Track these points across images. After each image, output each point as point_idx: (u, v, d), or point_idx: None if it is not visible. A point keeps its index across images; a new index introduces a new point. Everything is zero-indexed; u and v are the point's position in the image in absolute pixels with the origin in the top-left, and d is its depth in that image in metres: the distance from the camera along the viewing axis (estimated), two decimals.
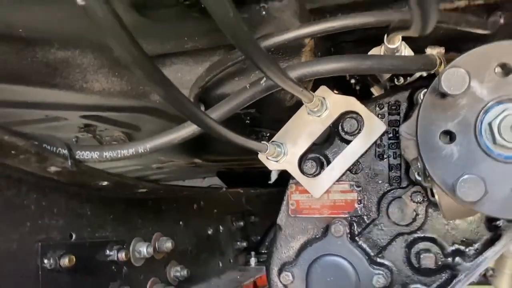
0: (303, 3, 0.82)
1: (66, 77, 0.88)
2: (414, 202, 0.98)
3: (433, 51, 0.90)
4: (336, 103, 1.02)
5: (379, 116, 1.02)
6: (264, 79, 0.83)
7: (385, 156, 1.02)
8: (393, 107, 1.02)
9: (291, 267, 1.05)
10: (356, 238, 1.02)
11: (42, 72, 0.85)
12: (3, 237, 0.77)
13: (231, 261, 1.64)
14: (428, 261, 0.95)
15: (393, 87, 1.08)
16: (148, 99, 1.00)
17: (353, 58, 0.81)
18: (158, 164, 1.37)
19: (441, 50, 0.89)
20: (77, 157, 0.83)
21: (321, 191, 1.04)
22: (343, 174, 1.03)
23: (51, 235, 0.87)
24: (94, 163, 0.86)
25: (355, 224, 1.03)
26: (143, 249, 1.10)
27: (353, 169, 1.04)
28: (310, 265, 1.03)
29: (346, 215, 1.04)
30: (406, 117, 0.99)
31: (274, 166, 1.07)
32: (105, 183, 0.97)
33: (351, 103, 1.02)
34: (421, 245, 0.98)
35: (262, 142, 0.98)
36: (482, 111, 0.68)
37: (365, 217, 1.02)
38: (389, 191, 1.01)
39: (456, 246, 0.97)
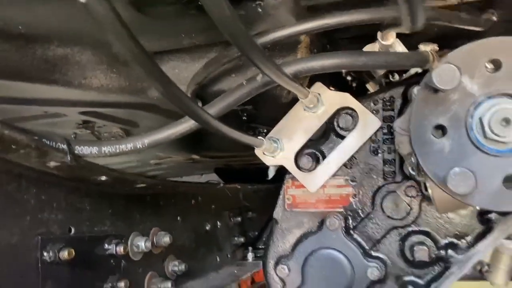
0: (299, 0, 0.83)
1: (65, 73, 0.89)
2: (408, 196, 1.00)
3: (427, 48, 0.91)
4: (331, 99, 1.03)
5: (374, 112, 1.03)
6: (260, 75, 0.84)
7: (379, 151, 1.04)
8: (387, 103, 1.03)
9: (287, 260, 1.07)
10: (351, 231, 1.04)
11: (42, 68, 0.87)
12: (3, 231, 0.79)
13: (229, 256, 1.65)
14: (421, 254, 0.97)
15: (388, 83, 1.09)
16: (146, 96, 1.01)
17: (348, 54, 0.82)
18: (156, 160, 1.39)
19: (435, 46, 0.91)
20: (76, 152, 0.84)
21: (316, 185, 1.05)
22: (339, 169, 1.05)
23: (50, 229, 0.89)
24: (93, 158, 0.87)
25: (350, 218, 1.04)
26: (141, 244, 1.12)
27: (348, 164, 1.05)
28: (305, 258, 1.05)
29: (341, 209, 1.06)
30: (401, 113, 1.01)
31: (270, 161, 1.09)
32: (104, 178, 0.99)
33: (346, 99, 1.04)
34: (415, 238, 1.00)
35: (259, 137, 0.99)
36: (473, 106, 0.70)
37: (359, 211, 1.04)
38: (383, 185, 1.03)
39: (449, 239, 0.99)
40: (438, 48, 0.94)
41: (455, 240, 0.99)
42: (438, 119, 0.71)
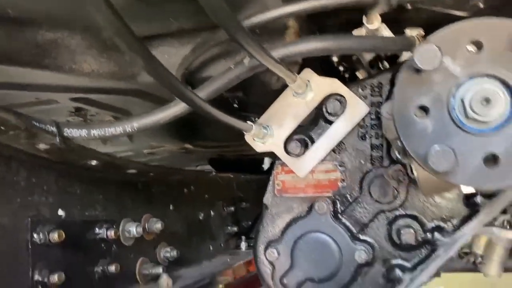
0: None
1: (55, 58, 0.90)
2: (395, 180, 1.01)
3: (413, 33, 0.92)
4: (320, 85, 1.04)
5: (362, 97, 1.04)
6: (248, 59, 0.85)
7: (367, 136, 1.05)
8: (375, 89, 1.04)
9: (277, 244, 1.08)
10: (339, 215, 1.05)
11: (32, 53, 0.87)
12: None
13: (222, 245, 1.67)
14: (408, 237, 0.99)
15: (377, 70, 1.11)
16: (136, 81, 1.02)
17: (334, 38, 0.83)
18: (149, 149, 1.40)
19: (420, 31, 0.92)
20: (65, 134, 0.85)
21: (305, 170, 1.07)
22: (327, 154, 1.06)
23: (41, 212, 0.90)
24: (83, 141, 0.88)
25: (338, 202, 1.06)
26: (133, 229, 1.13)
27: (336, 150, 1.07)
28: (295, 241, 1.06)
29: (330, 194, 1.07)
30: (388, 98, 1.02)
31: (260, 147, 1.10)
32: (94, 162, 1.00)
33: (335, 85, 1.05)
34: (402, 222, 1.01)
35: (248, 122, 1.00)
36: (455, 86, 0.71)
37: (348, 195, 1.05)
38: (371, 170, 1.04)
39: (436, 222, 1.00)
40: (424, 33, 0.95)
41: (441, 224, 1.00)
42: (420, 100, 0.72)
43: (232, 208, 1.75)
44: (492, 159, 0.70)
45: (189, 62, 0.89)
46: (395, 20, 0.99)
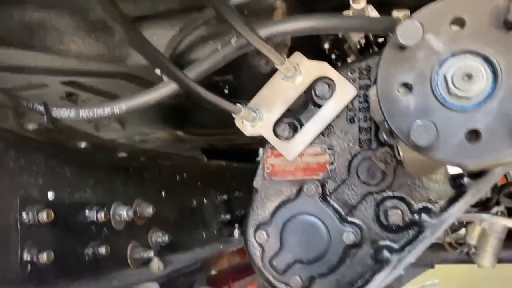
0: None
1: (43, 39, 0.90)
2: (383, 162, 1.02)
3: (399, 14, 0.93)
4: (309, 69, 1.05)
5: (351, 81, 1.05)
6: (235, 38, 0.86)
7: (356, 119, 1.06)
8: (364, 72, 1.05)
9: (266, 226, 1.09)
10: (328, 198, 1.06)
11: (19, 33, 0.88)
12: None
13: (215, 232, 1.68)
14: (395, 218, 1.00)
15: (366, 53, 1.11)
16: (125, 64, 1.02)
17: (321, 17, 0.84)
18: (141, 136, 1.40)
19: (407, 13, 0.92)
20: (53, 114, 0.85)
21: (294, 154, 1.07)
22: (316, 138, 1.07)
23: (30, 192, 0.91)
24: (71, 122, 0.89)
25: (326, 185, 1.07)
26: (123, 213, 1.14)
27: (325, 133, 1.07)
28: (284, 224, 1.07)
29: (318, 177, 1.08)
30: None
31: (249, 131, 1.10)
32: (83, 144, 1.01)
33: (324, 68, 1.05)
34: (390, 203, 1.02)
35: (236, 104, 1.01)
36: (438, 63, 0.72)
37: (336, 178, 1.06)
38: (359, 153, 1.05)
39: (423, 204, 1.01)
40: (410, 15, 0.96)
41: (428, 205, 1.01)
42: (404, 77, 0.73)
43: (225, 197, 1.76)
44: (474, 135, 0.70)
45: (177, 42, 0.89)
46: (384, 2, 0.99)
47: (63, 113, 0.86)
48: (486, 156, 0.70)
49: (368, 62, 1.06)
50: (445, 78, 0.71)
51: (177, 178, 1.47)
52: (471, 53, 0.71)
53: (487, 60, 0.70)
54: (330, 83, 1.05)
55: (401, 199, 1.02)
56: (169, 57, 0.93)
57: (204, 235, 1.58)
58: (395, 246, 1.02)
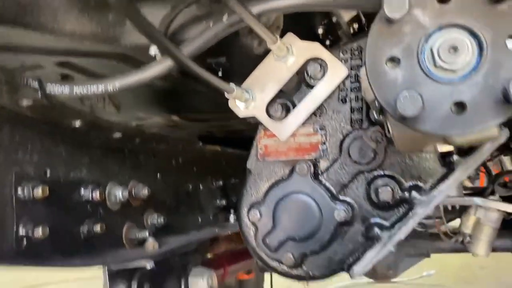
0: None
1: (36, 16, 0.91)
2: (374, 142, 1.04)
3: None
4: (301, 49, 1.06)
5: (343, 61, 1.06)
6: (226, 15, 0.87)
7: (347, 99, 1.07)
8: (355, 52, 1.06)
9: (259, 206, 1.11)
10: (320, 177, 1.07)
11: (13, 10, 0.88)
12: None
13: (211, 217, 1.69)
14: (386, 195, 1.01)
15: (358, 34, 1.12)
16: (119, 44, 1.03)
17: None
18: (137, 121, 1.41)
19: None
20: (48, 91, 0.87)
21: (287, 134, 1.09)
22: (308, 118, 1.08)
23: (25, 169, 0.92)
24: (66, 99, 0.90)
25: (318, 165, 1.08)
26: (119, 193, 1.15)
27: (317, 113, 1.09)
28: (276, 203, 1.09)
29: (311, 157, 1.09)
30: None
31: (243, 112, 1.12)
32: (78, 123, 1.02)
33: (316, 49, 1.07)
34: (380, 181, 1.04)
35: (230, 83, 1.02)
36: (425, 37, 0.73)
37: (328, 157, 1.08)
38: (351, 132, 1.06)
39: (413, 181, 1.03)
40: None
41: (418, 183, 1.02)
42: (391, 51, 0.74)
43: (221, 183, 1.77)
44: (459, 107, 0.72)
45: (169, 20, 0.90)
46: None
47: (57, 89, 0.87)
48: (471, 127, 0.71)
49: (360, 43, 1.07)
50: (431, 51, 0.73)
51: (173, 162, 1.49)
52: (457, 27, 0.72)
53: (472, 33, 0.71)
54: (322, 64, 1.07)
55: (392, 177, 1.04)
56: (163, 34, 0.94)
57: (199, 219, 1.59)
58: (386, 223, 1.04)
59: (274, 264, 1.10)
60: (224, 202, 1.76)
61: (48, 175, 0.97)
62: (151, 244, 1.17)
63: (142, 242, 1.21)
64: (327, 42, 1.45)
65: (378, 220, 1.04)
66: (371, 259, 1.02)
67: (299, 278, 1.09)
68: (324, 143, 1.09)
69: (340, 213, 1.03)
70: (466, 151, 0.99)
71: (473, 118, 0.71)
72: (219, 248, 1.81)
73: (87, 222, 1.04)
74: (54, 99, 0.89)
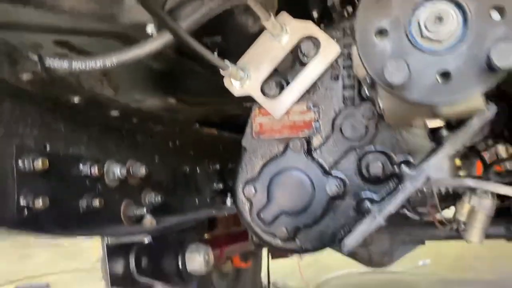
0: None
1: None
2: (365, 118, 1.07)
3: None
4: (295, 28, 1.09)
5: (335, 40, 1.09)
6: None
7: (340, 77, 1.10)
8: (348, 32, 1.09)
9: (254, 182, 1.13)
10: (313, 153, 1.10)
11: None
12: None
13: (208, 200, 1.72)
14: (376, 170, 1.04)
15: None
16: (118, 23, 1.06)
17: None
18: (134, 104, 1.43)
19: None
20: (47, 64, 0.89)
21: (281, 111, 1.12)
22: (302, 96, 1.11)
23: (25, 142, 0.94)
24: (64, 73, 0.92)
25: (312, 141, 1.11)
26: (117, 170, 1.17)
27: (311, 91, 1.11)
28: (271, 178, 1.12)
29: (304, 134, 1.12)
30: None
31: (238, 91, 1.14)
32: (77, 99, 1.04)
33: (309, 27, 1.09)
34: (371, 157, 1.07)
35: (225, 60, 1.05)
36: (412, 9, 0.76)
37: (321, 134, 1.11)
38: (343, 109, 1.09)
39: (403, 157, 1.06)
40: None
41: (408, 158, 1.05)
42: (380, 23, 0.77)
43: (218, 166, 1.80)
44: (444, 76, 0.74)
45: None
46: None
47: (57, 63, 0.90)
48: (455, 94, 0.74)
49: (352, 22, 1.09)
50: (418, 22, 0.75)
51: (170, 144, 1.51)
52: None
53: (457, 4, 0.74)
54: (315, 42, 1.09)
55: (382, 153, 1.07)
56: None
57: (197, 201, 1.62)
58: (376, 197, 1.07)
59: (268, 238, 1.13)
60: (221, 185, 1.79)
61: (47, 149, 0.99)
62: (149, 221, 1.20)
63: (139, 219, 1.24)
64: (322, 26, 1.48)
65: (369, 194, 1.07)
66: (362, 232, 1.05)
67: (292, 251, 1.12)
68: (317, 120, 1.11)
69: (332, 187, 1.06)
70: (455, 126, 1.02)
71: (457, 87, 0.74)
72: (216, 231, 1.84)
73: (86, 196, 1.06)
74: (53, 73, 0.91)
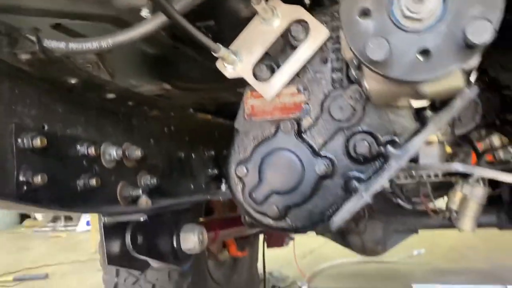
0: None
1: None
2: (353, 99, 1.10)
3: None
4: (285, 12, 1.12)
5: (324, 23, 1.12)
6: None
7: (328, 60, 1.13)
8: (336, 15, 1.12)
9: (246, 163, 1.17)
10: (302, 134, 1.14)
11: None
12: None
13: (203, 186, 1.76)
14: (363, 149, 1.08)
15: None
16: (112, 7, 1.09)
17: None
18: (130, 88, 1.47)
19: None
20: (45, 45, 0.92)
21: (272, 94, 1.15)
22: (292, 78, 1.14)
23: (24, 121, 0.98)
24: (61, 53, 0.96)
25: (301, 123, 1.15)
26: (113, 152, 1.21)
27: (300, 73, 1.15)
28: (262, 159, 1.15)
29: (295, 116, 1.16)
30: None
31: (230, 74, 1.18)
32: (74, 81, 1.08)
33: (299, 11, 1.12)
34: (358, 137, 1.10)
35: (217, 43, 1.08)
36: None
37: (310, 116, 1.14)
38: (332, 91, 1.12)
39: (389, 136, 1.09)
40: None
41: (394, 138, 1.09)
42: (364, 3, 0.80)
43: (213, 153, 1.84)
44: (424, 54, 0.78)
45: None
46: None
47: (54, 44, 0.93)
48: (435, 72, 0.78)
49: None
50: (399, 2, 0.79)
51: (165, 129, 1.55)
52: None
53: None
54: (305, 26, 1.13)
55: (369, 133, 1.10)
56: None
57: (191, 186, 1.66)
58: (363, 176, 1.11)
59: (260, 217, 1.16)
60: (216, 171, 1.83)
61: (46, 128, 1.03)
62: (144, 201, 1.24)
63: (135, 200, 1.28)
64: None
65: (356, 173, 1.11)
66: (349, 210, 1.09)
67: (283, 229, 1.16)
68: (307, 102, 1.15)
69: (321, 167, 1.10)
70: (438, 107, 1.06)
71: (437, 64, 0.78)
72: (212, 216, 1.88)
73: (83, 176, 1.10)
74: (51, 53, 0.94)
